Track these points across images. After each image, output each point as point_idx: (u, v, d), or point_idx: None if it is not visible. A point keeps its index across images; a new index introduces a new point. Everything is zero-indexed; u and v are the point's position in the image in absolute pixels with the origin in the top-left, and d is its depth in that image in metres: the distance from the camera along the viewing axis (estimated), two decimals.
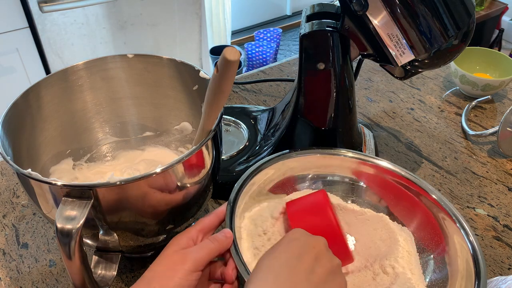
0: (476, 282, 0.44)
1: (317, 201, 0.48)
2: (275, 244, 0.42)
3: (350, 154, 0.57)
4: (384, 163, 0.55)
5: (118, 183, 0.39)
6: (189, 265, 0.41)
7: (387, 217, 0.55)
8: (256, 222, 0.50)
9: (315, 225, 0.46)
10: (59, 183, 0.38)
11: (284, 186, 0.57)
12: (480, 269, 0.45)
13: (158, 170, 0.41)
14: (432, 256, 0.51)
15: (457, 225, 0.49)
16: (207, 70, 1.97)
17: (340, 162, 0.57)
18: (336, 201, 0.56)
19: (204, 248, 0.42)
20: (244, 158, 0.67)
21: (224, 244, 0.44)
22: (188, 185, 0.45)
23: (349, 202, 0.57)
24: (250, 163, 0.65)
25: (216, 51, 2.37)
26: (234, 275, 0.43)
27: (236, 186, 0.50)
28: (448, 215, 0.50)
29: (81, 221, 0.37)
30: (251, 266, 0.44)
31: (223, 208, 0.47)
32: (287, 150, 0.56)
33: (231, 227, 0.45)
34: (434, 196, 0.52)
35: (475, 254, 0.46)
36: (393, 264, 0.50)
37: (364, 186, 0.57)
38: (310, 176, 0.58)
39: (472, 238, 0.47)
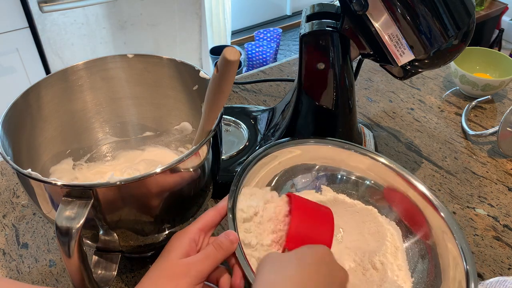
0: None
1: (324, 218, 0.47)
2: (296, 253, 0.40)
3: (360, 150, 0.57)
4: (396, 168, 0.56)
5: (118, 183, 0.39)
6: (193, 278, 0.39)
7: (376, 210, 0.55)
8: (248, 203, 0.48)
9: (312, 236, 0.45)
10: (59, 183, 0.38)
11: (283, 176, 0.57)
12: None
13: (158, 170, 0.41)
14: (426, 266, 0.51)
15: (456, 241, 0.49)
16: (207, 70, 1.97)
17: (350, 157, 0.57)
18: (329, 193, 0.57)
19: (209, 258, 0.41)
20: (244, 158, 0.67)
21: (230, 250, 0.42)
22: (188, 185, 0.45)
23: (349, 197, 0.57)
24: None
25: (216, 51, 2.36)
26: (242, 284, 0.42)
27: (234, 183, 0.49)
28: (450, 232, 0.50)
29: (81, 221, 0.37)
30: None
31: (224, 203, 0.46)
32: (288, 138, 0.57)
33: (234, 227, 0.45)
34: (443, 214, 0.51)
35: (467, 275, 0.46)
36: (382, 260, 0.50)
37: (369, 185, 0.57)
38: (317, 167, 0.58)
39: (469, 266, 0.47)
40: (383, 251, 0.51)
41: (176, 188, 0.44)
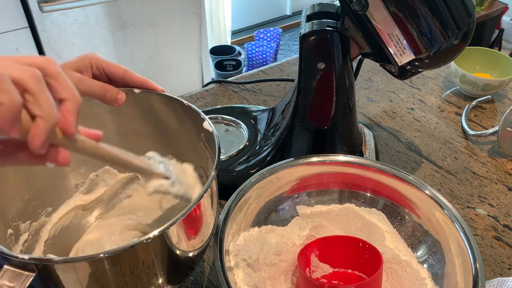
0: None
1: None
2: None
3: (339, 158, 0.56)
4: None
5: (59, 260, 0.34)
6: None
7: (353, 205, 0.55)
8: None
9: None
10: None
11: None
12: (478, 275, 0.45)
13: (102, 254, 0.35)
14: (425, 239, 0.52)
15: (445, 211, 0.50)
16: (207, 70, 1.97)
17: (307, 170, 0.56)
18: (302, 211, 0.56)
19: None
20: (244, 158, 0.67)
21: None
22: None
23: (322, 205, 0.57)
24: (250, 163, 0.65)
25: (216, 51, 2.36)
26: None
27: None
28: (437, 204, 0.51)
29: None
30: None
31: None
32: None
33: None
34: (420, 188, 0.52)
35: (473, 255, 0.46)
36: (380, 249, 0.50)
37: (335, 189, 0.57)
38: (285, 191, 0.56)
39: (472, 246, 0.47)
40: (378, 241, 0.51)
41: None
